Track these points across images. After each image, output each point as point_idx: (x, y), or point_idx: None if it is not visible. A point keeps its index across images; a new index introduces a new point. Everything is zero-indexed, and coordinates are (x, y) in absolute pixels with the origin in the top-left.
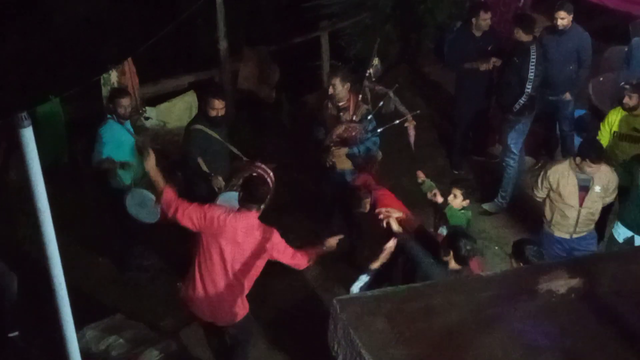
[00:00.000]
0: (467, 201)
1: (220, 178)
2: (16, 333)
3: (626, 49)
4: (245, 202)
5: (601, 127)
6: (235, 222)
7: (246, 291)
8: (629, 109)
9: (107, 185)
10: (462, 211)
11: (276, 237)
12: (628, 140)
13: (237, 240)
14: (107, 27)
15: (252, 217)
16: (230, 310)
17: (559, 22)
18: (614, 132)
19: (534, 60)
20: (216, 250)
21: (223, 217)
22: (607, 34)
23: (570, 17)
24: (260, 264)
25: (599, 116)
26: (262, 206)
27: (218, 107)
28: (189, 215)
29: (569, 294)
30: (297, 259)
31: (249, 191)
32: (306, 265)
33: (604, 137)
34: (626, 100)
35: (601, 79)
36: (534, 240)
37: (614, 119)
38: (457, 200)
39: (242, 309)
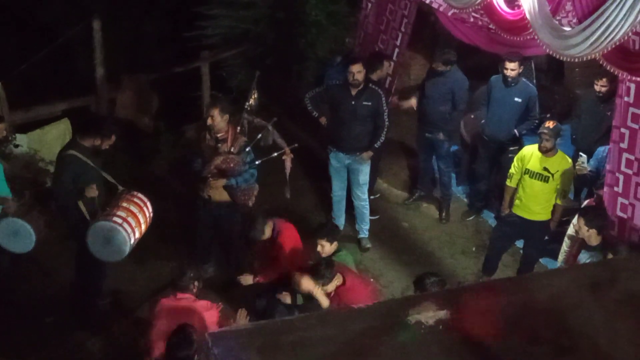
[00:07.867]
0: (335, 244)
1: (94, 187)
2: None
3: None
4: None
5: (515, 161)
6: None
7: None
8: (545, 152)
9: None
10: (343, 253)
11: None
12: (537, 178)
13: None
14: None
15: None
16: None
17: (434, 64)
18: (526, 169)
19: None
20: None
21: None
22: (486, 73)
23: (451, 65)
24: None
25: (470, 151)
26: None
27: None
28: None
29: (437, 325)
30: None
31: None
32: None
33: (517, 172)
34: (544, 144)
35: (472, 116)
36: (435, 273)
37: (528, 157)
38: (325, 249)
39: None
